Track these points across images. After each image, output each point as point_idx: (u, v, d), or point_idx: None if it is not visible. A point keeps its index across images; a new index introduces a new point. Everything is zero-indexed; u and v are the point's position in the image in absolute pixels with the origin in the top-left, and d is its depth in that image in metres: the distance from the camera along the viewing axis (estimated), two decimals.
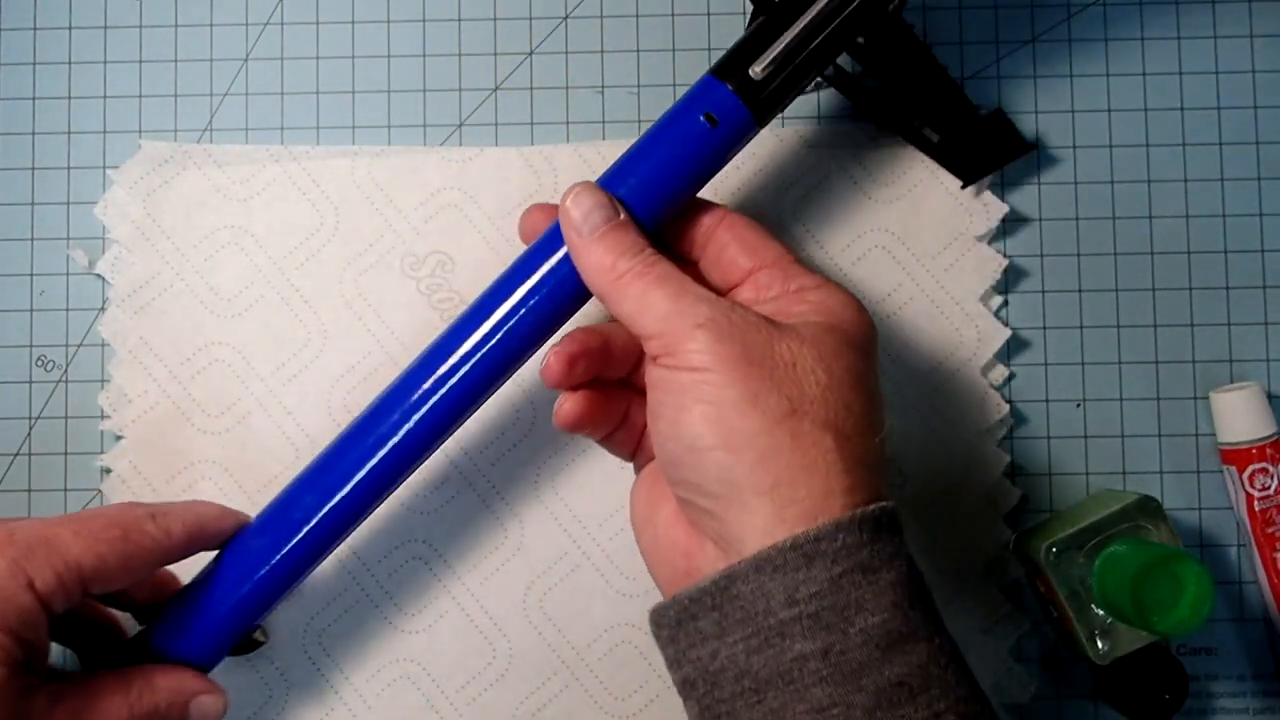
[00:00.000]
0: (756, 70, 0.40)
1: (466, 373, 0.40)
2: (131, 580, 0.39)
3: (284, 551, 0.41)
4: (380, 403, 0.41)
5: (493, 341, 0.40)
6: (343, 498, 0.41)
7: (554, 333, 0.41)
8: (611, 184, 0.40)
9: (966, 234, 0.49)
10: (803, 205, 0.49)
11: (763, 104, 0.40)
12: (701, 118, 0.40)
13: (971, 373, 0.48)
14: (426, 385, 0.40)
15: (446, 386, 0.40)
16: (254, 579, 0.41)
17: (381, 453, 0.41)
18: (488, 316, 0.40)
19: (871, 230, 0.49)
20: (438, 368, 0.40)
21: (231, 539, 0.42)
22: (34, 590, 0.36)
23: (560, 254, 0.40)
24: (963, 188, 0.49)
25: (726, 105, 0.40)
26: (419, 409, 0.40)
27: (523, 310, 0.40)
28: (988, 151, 0.48)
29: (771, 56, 0.40)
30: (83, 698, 0.37)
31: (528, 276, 0.40)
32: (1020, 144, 0.48)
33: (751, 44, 0.41)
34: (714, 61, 0.41)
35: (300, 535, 0.41)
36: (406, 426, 0.41)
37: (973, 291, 0.49)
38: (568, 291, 0.40)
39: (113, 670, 0.39)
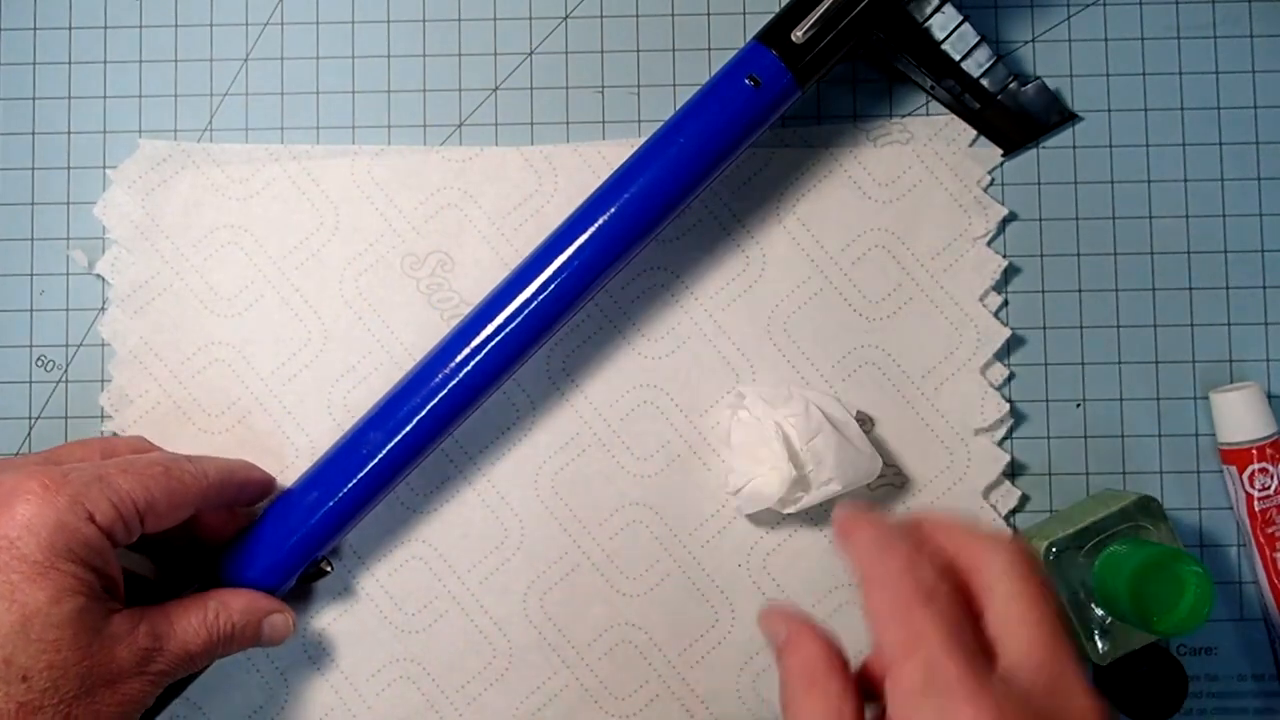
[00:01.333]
0: (798, 35, 0.43)
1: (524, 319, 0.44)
2: (179, 516, 0.41)
3: (347, 487, 0.44)
4: (443, 347, 0.45)
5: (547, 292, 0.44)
6: (405, 435, 0.44)
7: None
8: (664, 142, 0.43)
9: (966, 234, 0.49)
10: (803, 205, 0.49)
11: (804, 68, 0.43)
12: (746, 80, 0.43)
13: (971, 372, 0.48)
14: (488, 329, 0.44)
15: (509, 329, 0.44)
16: (320, 511, 0.44)
17: (443, 392, 0.44)
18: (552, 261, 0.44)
19: (871, 230, 0.49)
20: (500, 311, 0.44)
21: (288, 489, 0.46)
22: (95, 523, 0.38)
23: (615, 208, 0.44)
24: (1004, 155, 0.49)
25: (770, 68, 0.43)
26: (480, 352, 0.44)
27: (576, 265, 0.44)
28: (1029, 121, 0.49)
29: (812, 21, 0.43)
30: (163, 618, 0.40)
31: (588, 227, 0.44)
32: (1062, 113, 0.49)
33: (795, 10, 0.43)
34: (759, 29, 0.44)
35: (363, 471, 0.44)
36: (468, 368, 0.44)
37: (972, 291, 0.49)
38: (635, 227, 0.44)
39: (189, 594, 0.42)
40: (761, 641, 0.48)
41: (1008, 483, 0.48)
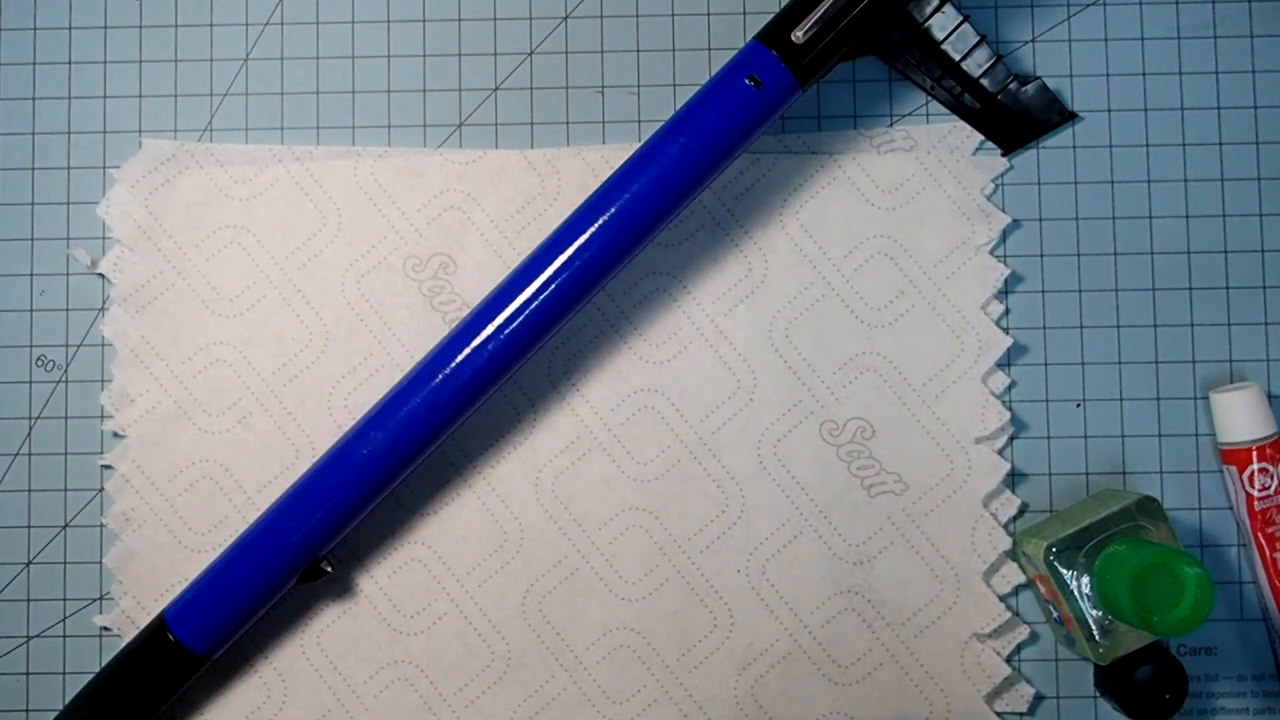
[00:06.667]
0: (798, 35, 0.43)
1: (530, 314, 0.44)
2: None
3: (347, 487, 0.44)
4: (444, 346, 0.44)
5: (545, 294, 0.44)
6: (405, 434, 0.44)
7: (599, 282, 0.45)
8: (664, 142, 0.43)
9: (969, 242, 0.49)
10: (805, 211, 0.49)
11: (805, 68, 0.43)
12: (747, 80, 0.43)
13: (972, 381, 0.48)
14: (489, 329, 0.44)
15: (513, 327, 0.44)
16: (320, 511, 0.44)
17: (444, 392, 0.44)
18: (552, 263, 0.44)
19: (874, 237, 0.49)
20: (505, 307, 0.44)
21: (288, 490, 0.45)
22: None
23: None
24: (1003, 156, 0.49)
25: (770, 68, 0.43)
26: (481, 351, 0.44)
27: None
28: (1029, 121, 0.49)
29: (812, 21, 0.43)
30: None
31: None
32: (1062, 113, 0.49)
33: (795, 10, 0.43)
34: (760, 29, 0.44)
35: (363, 471, 0.44)
36: (469, 367, 0.44)
37: (974, 299, 0.48)
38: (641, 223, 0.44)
39: None
40: (759, 647, 0.48)
41: (1008, 491, 0.48)
